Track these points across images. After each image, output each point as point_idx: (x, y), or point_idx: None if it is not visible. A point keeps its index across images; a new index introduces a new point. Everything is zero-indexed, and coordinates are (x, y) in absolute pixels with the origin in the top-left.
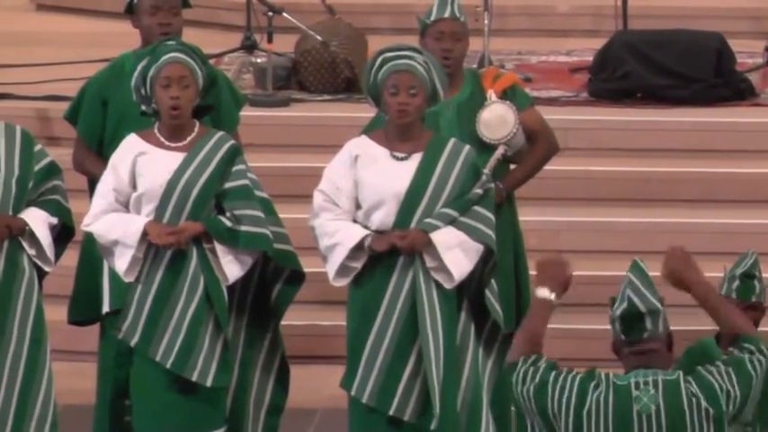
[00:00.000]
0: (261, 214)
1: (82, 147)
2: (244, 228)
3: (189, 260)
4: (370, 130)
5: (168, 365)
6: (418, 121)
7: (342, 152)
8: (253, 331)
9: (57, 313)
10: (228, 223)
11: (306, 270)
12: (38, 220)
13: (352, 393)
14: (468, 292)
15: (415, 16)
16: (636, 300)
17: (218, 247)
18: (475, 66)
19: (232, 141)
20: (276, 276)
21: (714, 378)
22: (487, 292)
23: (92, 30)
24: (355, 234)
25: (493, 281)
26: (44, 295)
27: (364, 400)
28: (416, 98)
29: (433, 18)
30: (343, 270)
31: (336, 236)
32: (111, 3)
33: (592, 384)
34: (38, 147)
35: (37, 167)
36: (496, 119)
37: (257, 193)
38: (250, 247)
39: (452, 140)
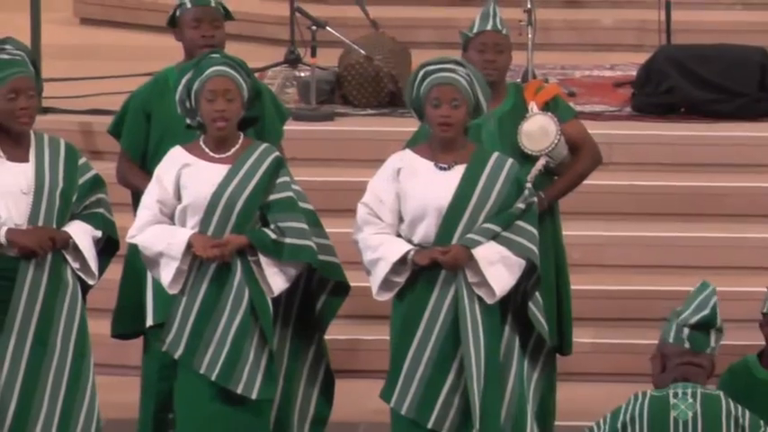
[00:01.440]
0: (305, 226)
1: (125, 160)
2: (288, 240)
3: (234, 272)
4: (414, 143)
5: (213, 378)
6: (461, 134)
7: (385, 165)
8: (297, 343)
9: (100, 327)
10: (273, 235)
11: (350, 284)
12: (82, 233)
13: (392, 405)
14: (512, 306)
15: (458, 31)
16: (716, 313)
17: (263, 260)
18: (518, 80)
19: (276, 153)
20: (321, 288)
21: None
22: (531, 306)
23: (135, 43)
24: (398, 248)
25: (537, 294)
26: (88, 309)
27: (403, 412)
28: (459, 110)
29: (475, 31)
30: (386, 284)
31: (379, 250)
32: (155, 16)
33: (630, 399)
34: (82, 160)
35: (81, 180)
36: (538, 130)
37: (302, 204)
38: (295, 259)
39: (496, 154)
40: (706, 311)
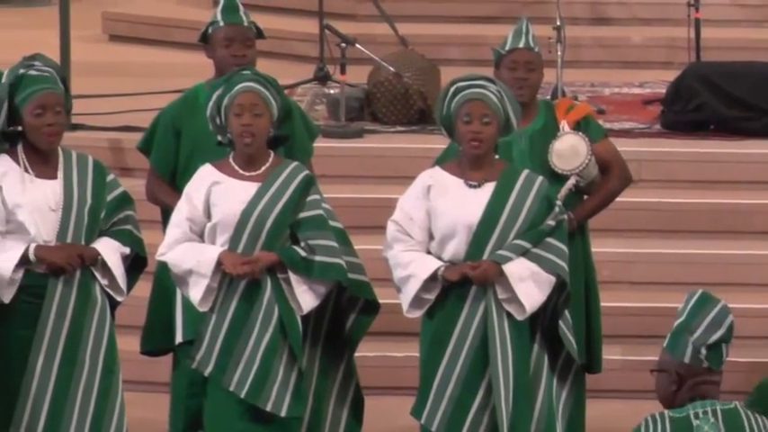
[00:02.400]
0: (335, 244)
1: (155, 177)
2: (318, 258)
3: (263, 290)
4: (443, 160)
5: (242, 395)
6: (491, 151)
7: (415, 183)
8: (327, 361)
9: (129, 343)
10: (303, 253)
11: (379, 302)
12: (110, 250)
13: (422, 422)
14: (542, 323)
15: (491, 48)
16: (733, 330)
17: (293, 277)
18: (548, 97)
19: (306, 171)
20: (351, 306)
21: None
22: (561, 324)
23: (164, 60)
24: (428, 265)
25: (567, 312)
26: (117, 325)
27: (433, 430)
28: (489, 127)
29: (507, 48)
30: (416, 302)
31: (410, 267)
32: (184, 33)
33: (649, 423)
34: (110, 177)
35: (109, 197)
36: (569, 149)
37: (331, 222)
38: (324, 276)
39: (525, 171)
40: (722, 331)
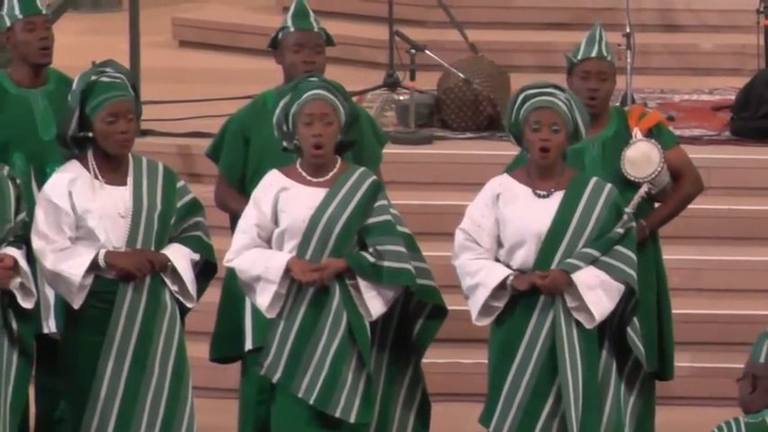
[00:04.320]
0: (403, 249)
1: (224, 183)
2: (387, 263)
3: (332, 296)
4: (514, 167)
5: (311, 401)
6: (560, 159)
7: (484, 190)
8: (394, 367)
9: (199, 350)
10: (371, 259)
11: (447, 307)
12: (180, 256)
13: (490, 430)
14: (610, 330)
15: (563, 54)
16: None
17: (362, 283)
18: (617, 104)
19: (374, 177)
20: (419, 311)
21: None
22: (629, 330)
23: (233, 66)
24: (497, 274)
25: (635, 319)
26: (187, 332)
27: None
28: (558, 135)
29: (580, 57)
30: (485, 310)
31: (478, 276)
32: (253, 39)
33: (723, 427)
34: (180, 183)
35: (179, 203)
36: (641, 157)
37: (399, 228)
38: (393, 282)
39: (594, 179)
40: None
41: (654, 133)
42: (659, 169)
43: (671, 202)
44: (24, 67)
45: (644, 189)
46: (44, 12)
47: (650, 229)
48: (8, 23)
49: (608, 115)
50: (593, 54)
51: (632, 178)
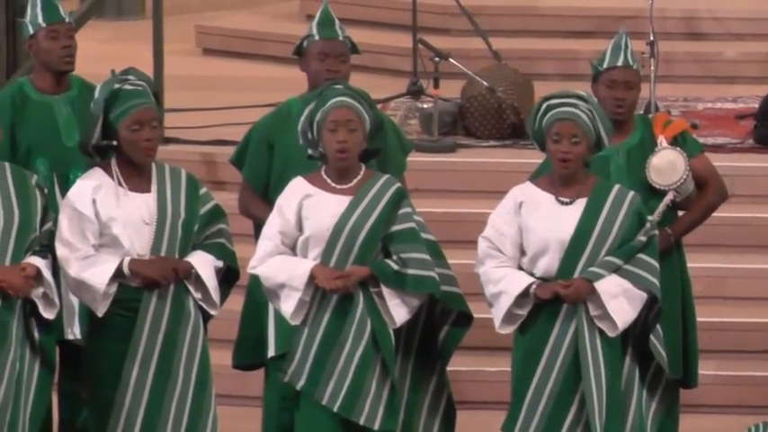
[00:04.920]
0: (428, 257)
1: (248, 191)
2: (411, 271)
3: (356, 304)
4: (538, 175)
5: (335, 409)
6: (582, 168)
7: (506, 198)
8: (419, 374)
9: (221, 357)
10: (395, 266)
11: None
12: (204, 264)
13: None
14: (633, 338)
15: (589, 62)
16: None
17: (386, 291)
18: (642, 112)
19: (398, 184)
20: (444, 318)
21: None
22: (652, 338)
23: (257, 74)
24: (520, 282)
25: (658, 326)
26: (209, 339)
27: None
28: (579, 146)
29: (605, 65)
30: (508, 318)
31: (501, 284)
32: (277, 47)
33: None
34: (203, 190)
35: (202, 211)
36: (667, 165)
37: (424, 235)
38: (417, 290)
39: (617, 187)
40: None
41: (679, 141)
42: (684, 177)
43: (695, 210)
44: (47, 74)
45: (669, 197)
46: (67, 20)
47: (675, 237)
48: (31, 31)
49: (633, 123)
50: (620, 63)
51: (657, 186)
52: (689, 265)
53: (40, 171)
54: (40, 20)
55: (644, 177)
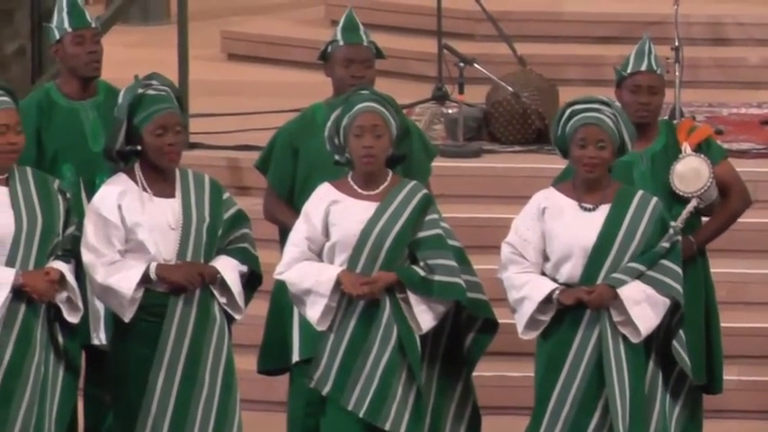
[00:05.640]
0: (454, 263)
1: (272, 196)
2: (437, 277)
3: (382, 309)
4: (561, 181)
5: (361, 414)
6: (606, 173)
7: (529, 204)
8: (444, 380)
9: (246, 363)
10: (422, 273)
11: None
12: (229, 268)
13: None
14: (656, 343)
15: (612, 67)
16: None
17: (412, 297)
18: (666, 117)
19: (425, 191)
20: (469, 325)
21: None
22: (675, 343)
23: (282, 80)
24: (543, 287)
25: (681, 332)
26: (233, 344)
27: None
28: (604, 151)
29: (629, 70)
30: (531, 323)
31: (524, 289)
32: (302, 53)
33: None
34: (226, 195)
35: (225, 216)
36: (691, 171)
37: (450, 241)
38: (444, 296)
39: (640, 193)
40: None
41: (703, 147)
42: (708, 184)
43: (719, 217)
44: (73, 80)
45: (693, 204)
46: (93, 25)
47: (699, 244)
48: (57, 36)
49: (657, 129)
50: (644, 68)
51: (681, 193)
52: (712, 270)
53: (66, 177)
54: (66, 25)
55: (667, 183)
